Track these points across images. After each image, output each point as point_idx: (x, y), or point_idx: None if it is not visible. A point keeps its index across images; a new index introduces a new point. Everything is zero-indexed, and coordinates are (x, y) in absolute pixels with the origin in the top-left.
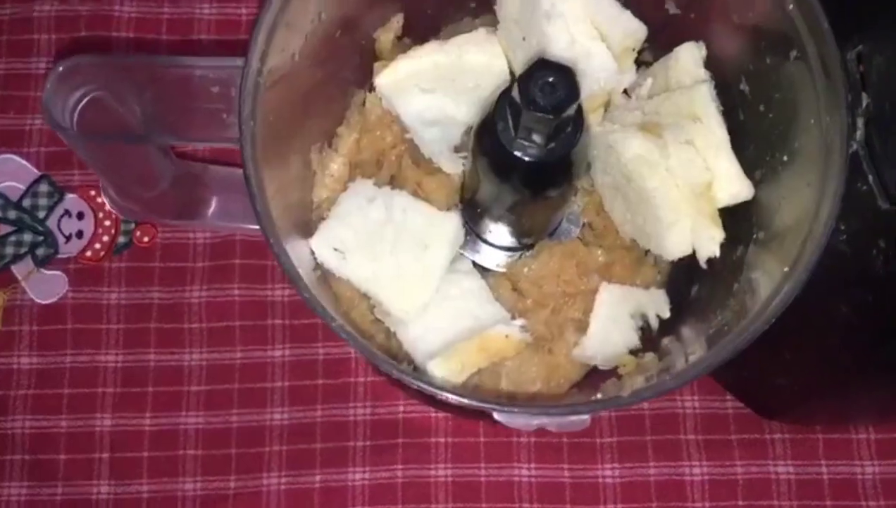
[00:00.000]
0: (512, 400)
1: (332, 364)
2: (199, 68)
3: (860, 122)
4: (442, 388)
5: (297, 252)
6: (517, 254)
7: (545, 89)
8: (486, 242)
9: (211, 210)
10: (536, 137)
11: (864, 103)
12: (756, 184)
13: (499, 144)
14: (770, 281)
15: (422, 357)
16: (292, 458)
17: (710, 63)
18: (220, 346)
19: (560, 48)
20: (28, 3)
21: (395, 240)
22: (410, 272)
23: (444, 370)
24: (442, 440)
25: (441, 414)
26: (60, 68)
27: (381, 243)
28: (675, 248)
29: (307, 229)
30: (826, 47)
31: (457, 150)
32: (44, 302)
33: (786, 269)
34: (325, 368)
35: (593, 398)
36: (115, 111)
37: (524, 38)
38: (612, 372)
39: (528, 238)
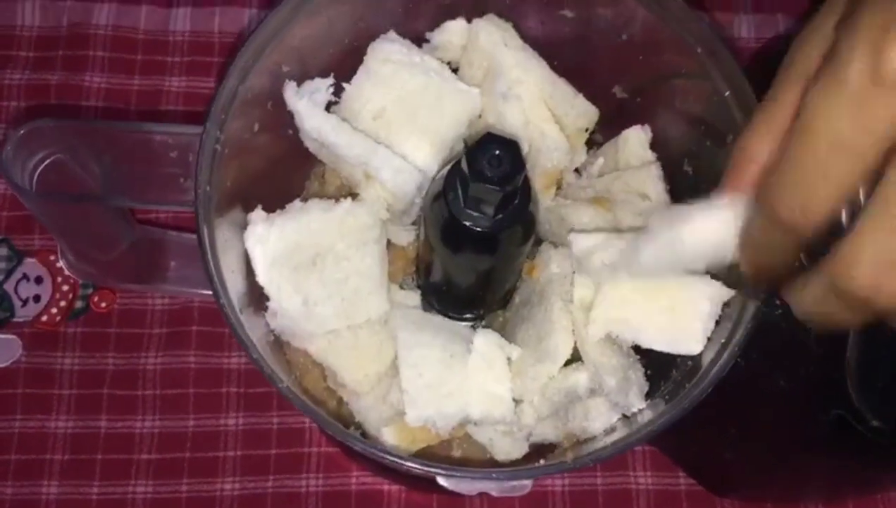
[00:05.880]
0: (457, 465)
1: (285, 434)
2: (159, 134)
3: None
4: (387, 453)
5: (251, 318)
6: (470, 324)
7: (492, 162)
8: (439, 311)
9: (169, 275)
10: (485, 208)
11: None
12: None
13: (449, 214)
14: (711, 352)
15: (374, 426)
16: None
17: (655, 145)
18: (172, 413)
19: (515, 127)
20: None
21: None
22: (367, 345)
23: (397, 439)
24: None
25: (394, 486)
26: (22, 131)
27: None
28: None
29: (263, 297)
30: None
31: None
32: None
33: (723, 340)
34: (278, 437)
35: (536, 464)
36: (75, 174)
37: (479, 116)
38: (558, 445)
39: (479, 309)
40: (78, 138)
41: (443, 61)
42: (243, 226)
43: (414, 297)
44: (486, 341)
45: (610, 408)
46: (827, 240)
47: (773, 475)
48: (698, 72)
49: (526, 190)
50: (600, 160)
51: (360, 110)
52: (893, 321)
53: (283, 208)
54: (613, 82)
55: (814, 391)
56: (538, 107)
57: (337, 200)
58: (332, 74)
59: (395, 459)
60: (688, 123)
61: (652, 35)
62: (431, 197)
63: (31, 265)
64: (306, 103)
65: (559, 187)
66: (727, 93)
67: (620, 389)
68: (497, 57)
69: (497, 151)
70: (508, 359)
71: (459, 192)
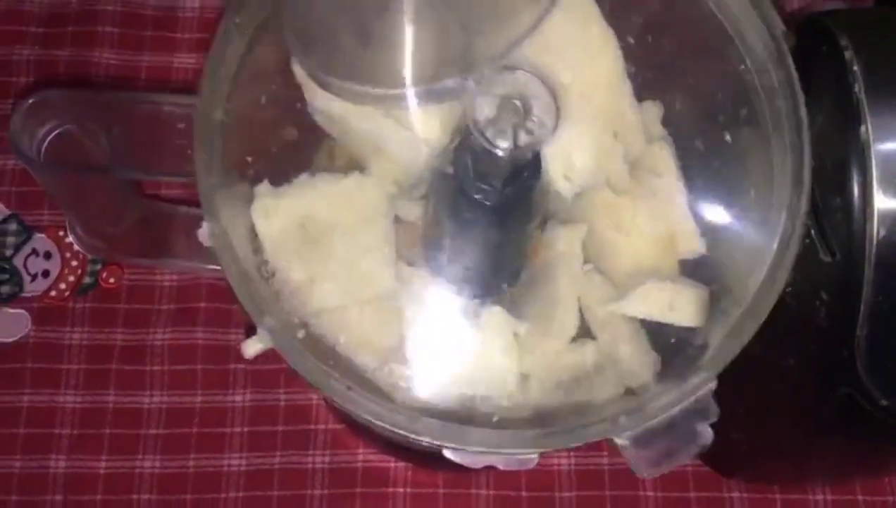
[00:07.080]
0: None
1: (293, 410)
2: (167, 104)
3: None
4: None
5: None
6: (477, 300)
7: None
8: (447, 287)
9: (177, 251)
10: (494, 181)
11: None
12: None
13: (457, 187)
14: (722, 330)
15: None
16: (248, 506)
17: (666, 120)
18: (180, 389)
19: None
20: (7, 47)
21: None
22: (374, 321)
23: None
24: (401, 490)
25: (401, 464)
26: (30, 101)
27: None
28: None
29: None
30: None
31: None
32: (5, 340)
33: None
34: (286, 414)
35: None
36: (83, 145)
37: None
38: None
39: (487, 285)
40: (86, 109)
41: None
42: (250, 200)
43: (422, 273)
44: (492, 317)
45: (615, 384)
46: None
47: (780, 455)
48: (713, 47)
49: (536, 163)
50: None
51: None
52: None
53: (290, 182)
54: (625, 58)
55: (822, 370)
56: None
57: (345, 174)
58: None
59: (397, 429)
60: (700, 99)
61: (667, 10)
62: (440, 171)
63: (40, 241)
64: None
65: None
66: (741, 67)
67: (632, 358)
68: None
69: None
70: (515, 335)
71: (469, 164)
